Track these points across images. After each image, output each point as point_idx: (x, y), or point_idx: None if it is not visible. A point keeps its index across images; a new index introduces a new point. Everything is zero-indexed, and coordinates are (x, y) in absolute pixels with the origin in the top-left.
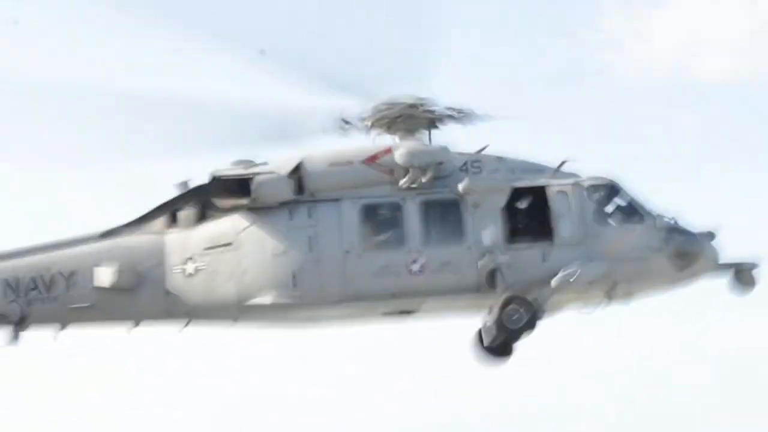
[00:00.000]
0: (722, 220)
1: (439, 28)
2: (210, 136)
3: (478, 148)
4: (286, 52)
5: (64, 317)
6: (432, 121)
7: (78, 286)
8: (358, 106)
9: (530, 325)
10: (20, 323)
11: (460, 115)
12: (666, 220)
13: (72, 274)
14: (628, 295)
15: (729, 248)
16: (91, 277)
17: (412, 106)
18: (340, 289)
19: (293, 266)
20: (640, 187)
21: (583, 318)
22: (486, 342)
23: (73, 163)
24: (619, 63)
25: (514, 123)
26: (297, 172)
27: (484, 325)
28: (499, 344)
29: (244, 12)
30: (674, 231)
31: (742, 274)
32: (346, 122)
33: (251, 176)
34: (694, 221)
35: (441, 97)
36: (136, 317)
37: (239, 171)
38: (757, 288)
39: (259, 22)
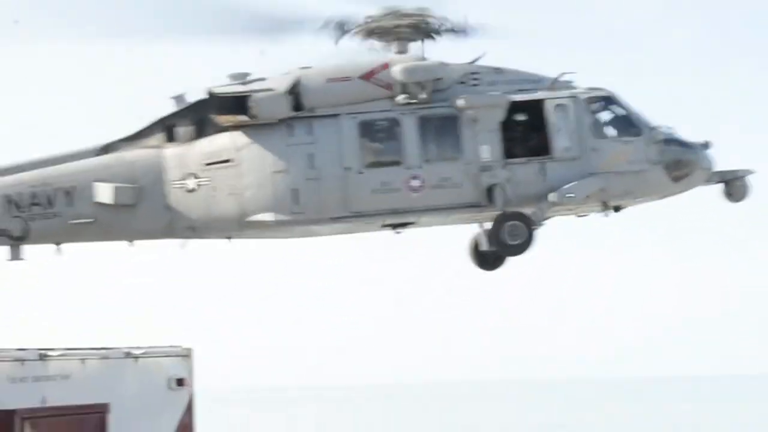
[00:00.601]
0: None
1: None
2: (202, 24)
3: (474, 58)
4: None
5: (65, 232)
6: (429, 32)
7: (79, 202)
8: (356, 12)
9: (529, 240)
10: (22, 238)
11: (458, 29)
12: (662, 131)
13: (72, 189)
14: (624, 206)
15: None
16: (91, 192)
17: (412, 15)
18: (340, 205)
19: (294, 183)
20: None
21: (577, 222)
22: (481, 255)
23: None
24: None
25: (507, 38)
26: (295, 88)
27: (481, 236)
28: (494, 256)
29: None
30: (670, 142)
31: (736, 182)
32: (342, 27)
33: (249, 93)
34: (686, 134)
35: (440, 8)
36: (138, 233)
37: (237, 88)
38: (750, 195)
39: None
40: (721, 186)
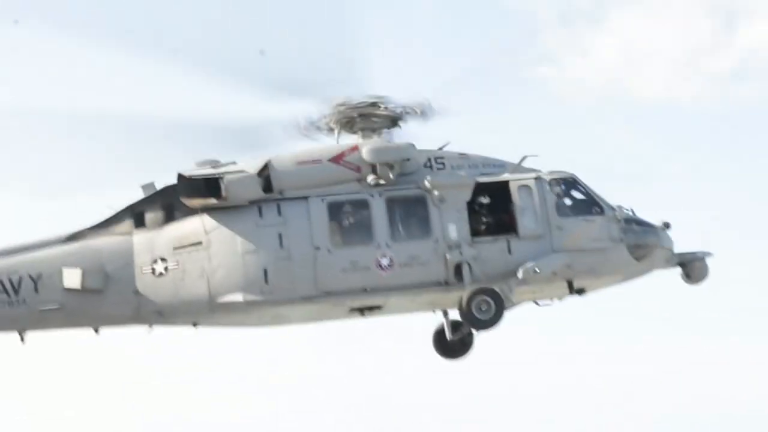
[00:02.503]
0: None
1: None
2: (170, 152)
3: (440, 145)
4: (232, 62)
5: (33, 320)
6: (392, 119)
7: (46, 289)
8: (317, 109)
9: (498, 315)
10: None
11: (418, 112)
12: (624, 211)
13: (39, 276)
14: (588, 286)
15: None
16: (59, 279)
17: (371, 104)
18: (311, 284)
19: (264, 263)
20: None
21: (542, 310)
22: (452, 335)
23: (34, 191)
24: (555, 77)
25: (466, 120)
26: (265, 170)
27: (445, 326)
28: (458, 340)
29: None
30: (632, 221)
31: (695, 265)
32: (308, 125)
33: (220, 175)
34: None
35: (397, 95)
36: (105, 318)
37: (208, 170)
38: (708, 279)
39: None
40: (679, 269)
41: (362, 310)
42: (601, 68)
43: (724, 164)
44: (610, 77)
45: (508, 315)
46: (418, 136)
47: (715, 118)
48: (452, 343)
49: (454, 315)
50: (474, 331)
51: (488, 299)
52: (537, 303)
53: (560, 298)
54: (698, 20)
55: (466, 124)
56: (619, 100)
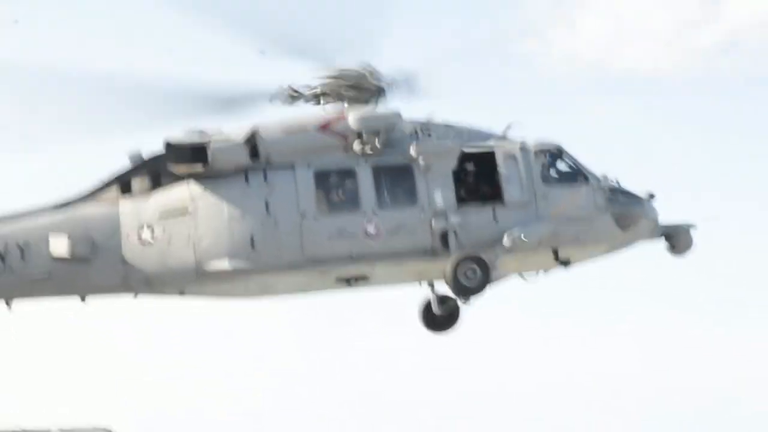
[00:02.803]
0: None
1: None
2: (157, 110)
3: (426, 117)
4: (235, 13)
5: (21, 288)
6: (380, 90)
7: (34, 257)
8: (307, 76)
9: (484, 281)
10: None
11: (406, 85)
12: (609, 181)
13: (27, 245)
14: (573, 256)
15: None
16: (47, 247)
17: (361, 75)
18: (297, 251)
19: (251, 230)
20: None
21: (526, 284)
22: (439, 309)
23: (17, 146)
24: (541, 51)
25: (453, 95)
26: (252, 139)
27: (432, 299)
28: (445, 314)
29: None
30: (617, 192)
31: (680, 236)
32: (295, 92)
33: (207, 143)
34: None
35: (387, 67)
36: (93, 287)
37: (194, 138)
38: (693, 249)
39: None
40: (664, 240)
41: (349, 281)
42: (587, 42)
43: (711, 139)
44: (597, 51)
45: (495, 289)
46: (404, 109)
47: (701, 92)
48: (439, 317)
49: (441, 289)
50: (460, 299)
51: (474, 266)
52: (523, 277)
53: (546, 270)
54: None
55: (452, 99)
56: (605, 74)
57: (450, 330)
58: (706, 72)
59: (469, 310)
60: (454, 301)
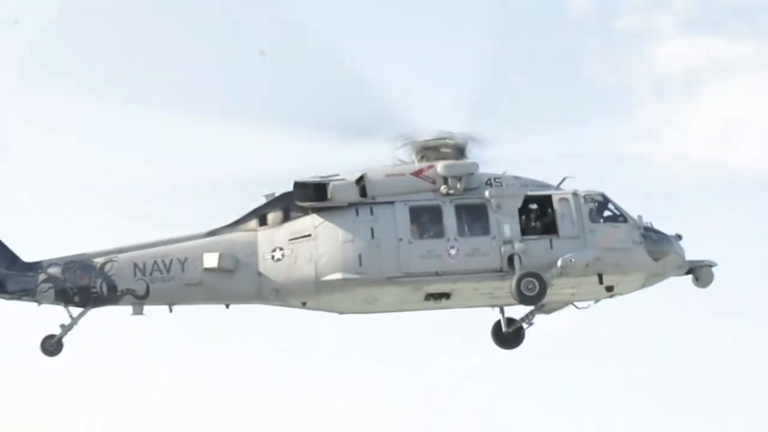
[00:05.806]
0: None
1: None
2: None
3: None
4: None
5: (179, 292)
6: (460, 149)
7: (191, 268)
8: (417, 131)
9: (541, 293)
10: (144, 297)
11: (482, 145)
12: (644, 222)
13: (186, 260)
14: (616, 283)
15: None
16: (200, 261)
17: (446, 140)
18: (395, 267)
19: (359, 250)
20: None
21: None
22: (507, 328)
23: None
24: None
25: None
26: (361, 180)
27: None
28: (512, 332)
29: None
30: (650, 231)
31: (703, 269)
32: (404, 140)
33: (327, 182)
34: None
35: (468, 131)
36: (235, 296)
37: (316, 178)
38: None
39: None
40: (690, 274)
41: (435, 297)
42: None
43: None
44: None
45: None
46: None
47: None
48: (507, 335)
49: (509, 313)
50: (523, 320)
51: (534, 280)
52: (576, 306)
53: (595, 299)
54: None
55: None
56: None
57: (516, 347)
58: None
59: (533, 331)
60: (520, 323)
